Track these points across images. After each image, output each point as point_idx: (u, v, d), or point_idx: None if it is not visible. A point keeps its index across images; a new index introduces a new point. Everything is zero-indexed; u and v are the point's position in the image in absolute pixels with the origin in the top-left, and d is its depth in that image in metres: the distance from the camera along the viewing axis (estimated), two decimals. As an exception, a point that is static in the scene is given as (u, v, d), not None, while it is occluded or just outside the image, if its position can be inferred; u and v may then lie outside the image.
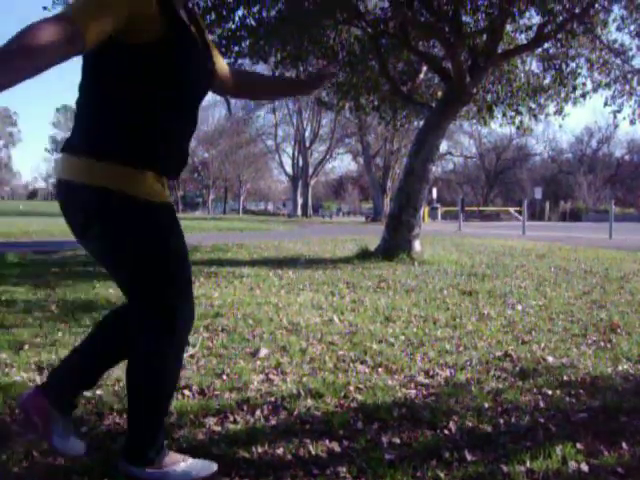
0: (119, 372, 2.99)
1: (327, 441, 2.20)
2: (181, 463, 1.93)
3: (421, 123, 11.17)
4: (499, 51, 9.12)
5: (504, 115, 11.35)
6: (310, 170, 44.82)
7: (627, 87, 10.85)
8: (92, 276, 6.61)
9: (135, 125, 1.69)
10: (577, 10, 8.70)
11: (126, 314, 1.94)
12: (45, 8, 8.37)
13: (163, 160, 1.79)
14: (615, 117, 11.32)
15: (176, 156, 1.85)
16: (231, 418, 2.41)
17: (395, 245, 8.84)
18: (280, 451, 2.11)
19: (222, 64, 2.06)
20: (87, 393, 2.66)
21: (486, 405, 2.58)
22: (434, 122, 8.99)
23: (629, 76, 10.77)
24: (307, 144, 44.29)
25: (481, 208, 47.20)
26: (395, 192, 9.92)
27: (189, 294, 1.86)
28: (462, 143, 57.62)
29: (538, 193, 38.90)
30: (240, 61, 9.41)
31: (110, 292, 5.53)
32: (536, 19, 9.63)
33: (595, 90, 10.88)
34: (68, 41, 1.38)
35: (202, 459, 1.99)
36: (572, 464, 2.02)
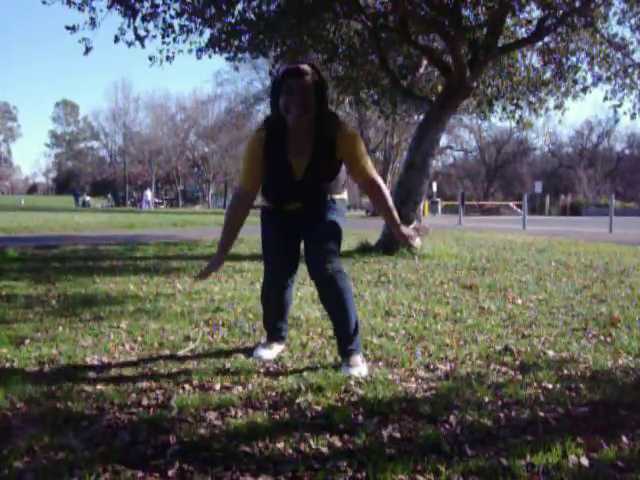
0: (120, 366, 3.00)
1: (328, 435, 2.20)
2: (260, 348, 3.28)
3: (421, 117, 11.16)
4: (499, 45, 9.09)
5: (504, 109, 11.33)
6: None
7: (628, 81, 10.81)
8: (92, 271, 6.62)
9: (265, 187, 3.10)
10: (577, 4, 8.69)
11: None
12: (45, 2, 8.36)
13: (271, 198, 3.12)
14: (616, 111, 11.29)
15: (277, 199, 3.11)
16: (232, 412, 2.41)
17: (395, 239, 8.82)
18: (281, 445, 2.11)
19: (358, 170, 2.97)
20: (88, 388, 2.67)
21: (486, 399, 2.59)
22: (434, 116, 8.97)
23: (630, 70, 10.73)
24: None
25: (481, 202, 47.21)
26: (395, 186, 9.91)
27: (270, 250, 3.17)
28: (462, 137, 57.66)
29: (538, 187, 38.89)
30: (240, 55, 9.39)
31: (110, 287, 5.54)
32: (536, 13, 9.61)
33: (595, 84, 10.84)
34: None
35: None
36: (572, 458, 2.02)
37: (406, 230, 3.01)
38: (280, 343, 3.34)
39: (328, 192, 3.06)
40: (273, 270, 3.18)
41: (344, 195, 3.17)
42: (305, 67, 2.78)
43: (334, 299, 3.00)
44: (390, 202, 2.99)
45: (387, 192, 3.02)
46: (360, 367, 2.95)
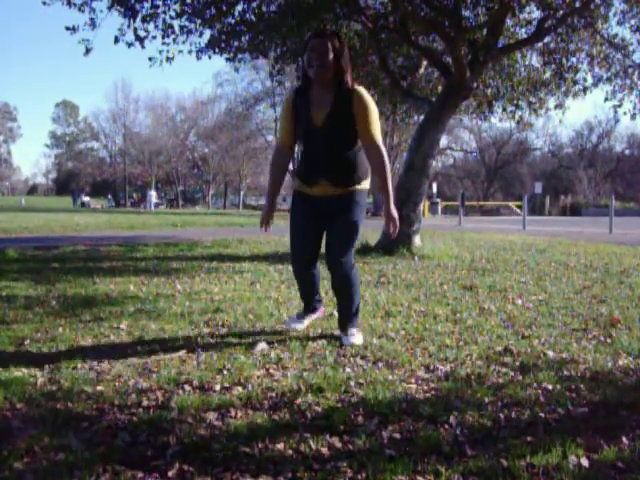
0: (120, 367, 3.00)
1: (328, 436, 2.20)
2: (294, 318, 3.90)
3: (421, 118, 11.16)
4: (499, 45, 9.09)
5: (504, 110, 11.34)
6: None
7: (628, 82, 10.81)
8: (92, 271, 6.62)
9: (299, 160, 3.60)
10: (577, 4, 8.69)
11: None
12: (45, 3, 8.36)
13: (302, 171, 3.54)
14: (616, 112, 11.28)
15: (305, 171, 3.51)
16: (232, 413, 2.41)
17: (395, 240, 8.83)
18: (281, 446, 2.12)
19: (364, 129, 3.32)
20: (88, 389, 2.67)
21: (486, 400, 2.59)
22: (434, 117, 8.97)
23: (630, 70, 10.73)
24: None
25: (481, 203, 47.18)
26: (395, 187, 9.91)
27: (293, 244, 3.62)
28: (462, 138, 57.65)
29: (538, 188, 38.87)
30: (240, 56, 9.39)
31: (110, 287, 5.54)
32: (536, 13, 9.61)
33: (595, 85, 10.84)
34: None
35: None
36: (572, 459, 2.02)
37: (393, 213, 3.38)
38: (313, 313, 3.91)
39: (351, 170, 3.42)
40: (294, 249, 3.64)
41: (366, 184, 3.53)
42: (327, 32, 3.39)
43: (343, 289, 3.60)
44: (387, 173, 3.35)
45: (387, 162, 3.36)
46: (356, 337, 3.56)
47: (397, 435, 2.22)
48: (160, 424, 2.29)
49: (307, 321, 3.87)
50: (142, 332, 3.77)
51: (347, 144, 3.40)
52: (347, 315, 3.63)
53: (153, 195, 46.34)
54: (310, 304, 3.89)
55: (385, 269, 7.09)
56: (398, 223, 3.39)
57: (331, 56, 3.25)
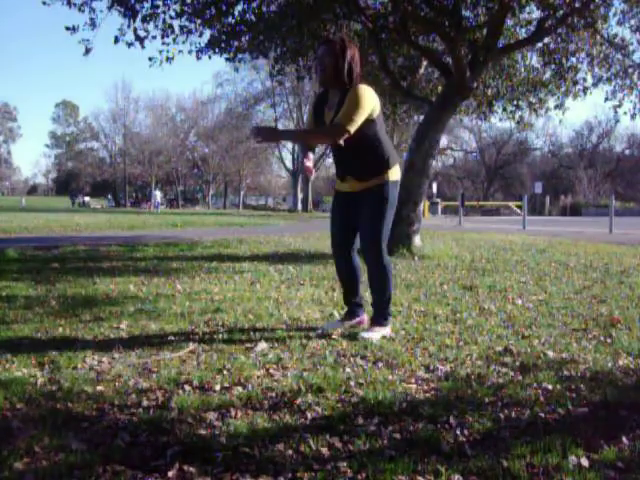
0: (120, 367, 3.00)
1: (328, 436, 2.20)
2: (331, 322, 3.98)
3: (421, 118, 11.16)
4: (499, 45, 9.09)
5: (504, 110, 11.34)
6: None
7: (628, 82, 10.80)
8: (92, 271, 6.62)
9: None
10: (577, 4, 8.68)
11: None
12: (45, 3, 8.35)
13: (337, 171, 3.86)
14: (616, 112, 11.27)
15: (338, 169, 3.83)
16: (232, 413, 2.41)
17: (395, 240, 8.82)
18: (281, 446, 2.11)
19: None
20: (88, 389, 2.67)
21: (486, 400, 2.59)
22: (434, 117, 8.97)
23: (630, 71, 10.72)
24: (307, 139, 44.07)
25: (481, 203, 47.17)
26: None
27: (331, 233, 3.90)
28: (462, 138, 57.72)
29: (538, 188, 38.90)
30: (240, 56, 9.39)
31: (110, 287, 5.54)
32: (536, 13, 9.61)
33: (595, 85, 10.84)
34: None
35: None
36: (572, 459, 2.02)
37: (307, 163, 3.67)
38: (352, 318, 3.94)
39: (369, 163, 3.63)
40: (331, 237, 3.93)
41: (393, 174, 3.68)
42: (334, 38, 3.60)
43: (370, 280, 3.80)
44: (314, 134, 3.81)
45: (325, 133, 3.64)
46: (374, 333, 3.66)
47: (397, 435, 2.22)
48: (160, 424, 2.29)
49: (345, 325, 3.87)
50: (142, 332, 3.77)
51: (356, 141, 3.53)
52: (374, 307, 3.83)
53: (158, 195, 46.24)
54: (350, 305, 3.97)
55: (385, 269, 7.07)
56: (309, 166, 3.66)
57: (333, 61, 3.47)
